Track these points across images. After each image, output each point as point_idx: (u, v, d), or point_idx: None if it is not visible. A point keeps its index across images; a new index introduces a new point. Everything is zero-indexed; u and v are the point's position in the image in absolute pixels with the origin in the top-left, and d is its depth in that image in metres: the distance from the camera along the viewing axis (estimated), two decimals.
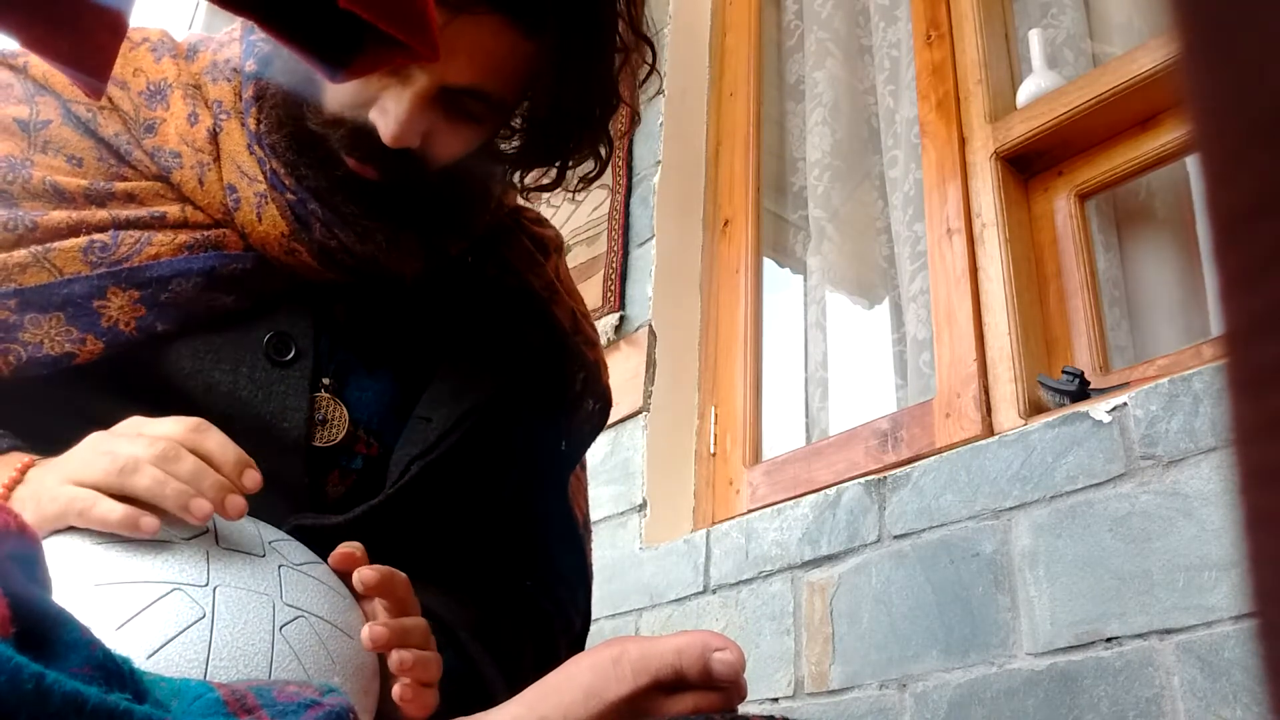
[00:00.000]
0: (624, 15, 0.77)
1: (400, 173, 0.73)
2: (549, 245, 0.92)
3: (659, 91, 1.97)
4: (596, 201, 1.98)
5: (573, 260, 1.98)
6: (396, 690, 0.60)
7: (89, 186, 0.72)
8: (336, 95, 0.71)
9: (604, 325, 1.83)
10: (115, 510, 0.56)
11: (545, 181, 0.83)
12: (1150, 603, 1.00)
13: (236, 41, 0.79)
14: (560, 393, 0.89)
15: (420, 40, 0.36)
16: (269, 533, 0.62)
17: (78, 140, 0.74)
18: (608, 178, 1.97)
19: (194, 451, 0.59)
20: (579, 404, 0.91)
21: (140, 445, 0.58)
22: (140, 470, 0.57)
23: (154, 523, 0.56)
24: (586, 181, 0.84)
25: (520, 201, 0.94)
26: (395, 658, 0.60)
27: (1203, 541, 0.98)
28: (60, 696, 0.31)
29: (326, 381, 0.75)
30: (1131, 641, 1.00)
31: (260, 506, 0.68)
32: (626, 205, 1.93)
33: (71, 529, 0.57)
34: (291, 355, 0.74)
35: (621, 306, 1.84)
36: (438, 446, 0.75)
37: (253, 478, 0.60)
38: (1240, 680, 0.91)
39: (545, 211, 2.26)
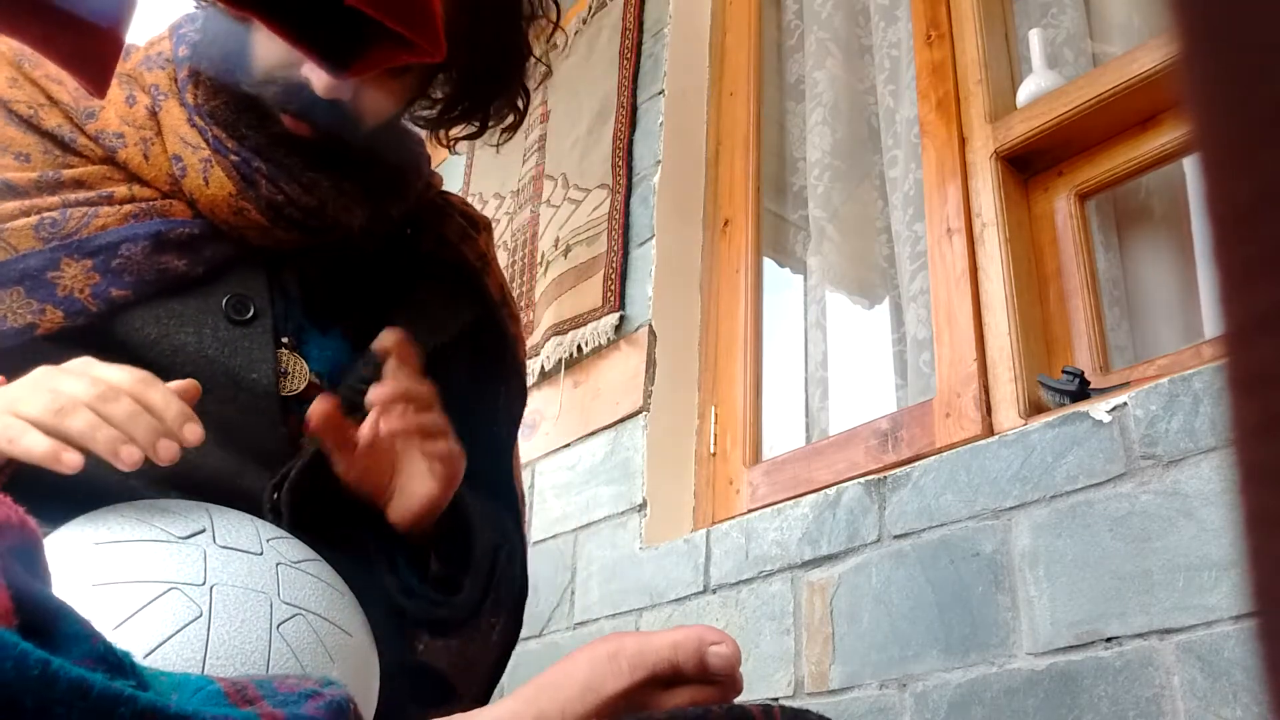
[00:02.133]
0: None
1: (333, 126, 0.77)
2: (479, 224, 0.98)
3: (659, 91, 1.97)
4: (596, 201, 1.98)
5: (573, 260, 1.98)
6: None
7: (39, 178, 0.75)
8: (268, 55, 0.75)
9: (604, 325, 1.83)
10: (40, 444, 0.58)
11: (469, 132, 0.89)
12: (1150, 603, 1.00)
13: (166, 39, 0.84)
14: (497, 364, 0.94)
15: (425, 37, 0.36)
16: (267, 530, 0.62)
17: (22, 138, 0.77)
18: (608, 177, 1.97)
19: (137, 400, 0.60)
20: (510, 377, 0.97)
21: (82, 385, 0.60)
22: (76, 412, 0.59)
23: (76, 459, 0.58)
24: (510, 130, 0.90)
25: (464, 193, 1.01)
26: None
27: (1203, 541, 0.98)
28: (66, 682, 0.31)
29: (285, 339, 0.79)
30: (1131, 641, 1.00)
31: (237, 458, 0.72)
32: (626, 205, 1.92)
33: (71, 528, 0.57)
34: (251, 314, 0.77)
35: (621, 306, 1.83)
36: None
37: (194, 431, 0.62)
38: (1240, 680, 0.91)
39: (546, 211, 2.27)
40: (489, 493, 0.91)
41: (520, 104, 0.89)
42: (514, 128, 0.90)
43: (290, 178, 0.77)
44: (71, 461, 0.58)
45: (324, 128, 0.77)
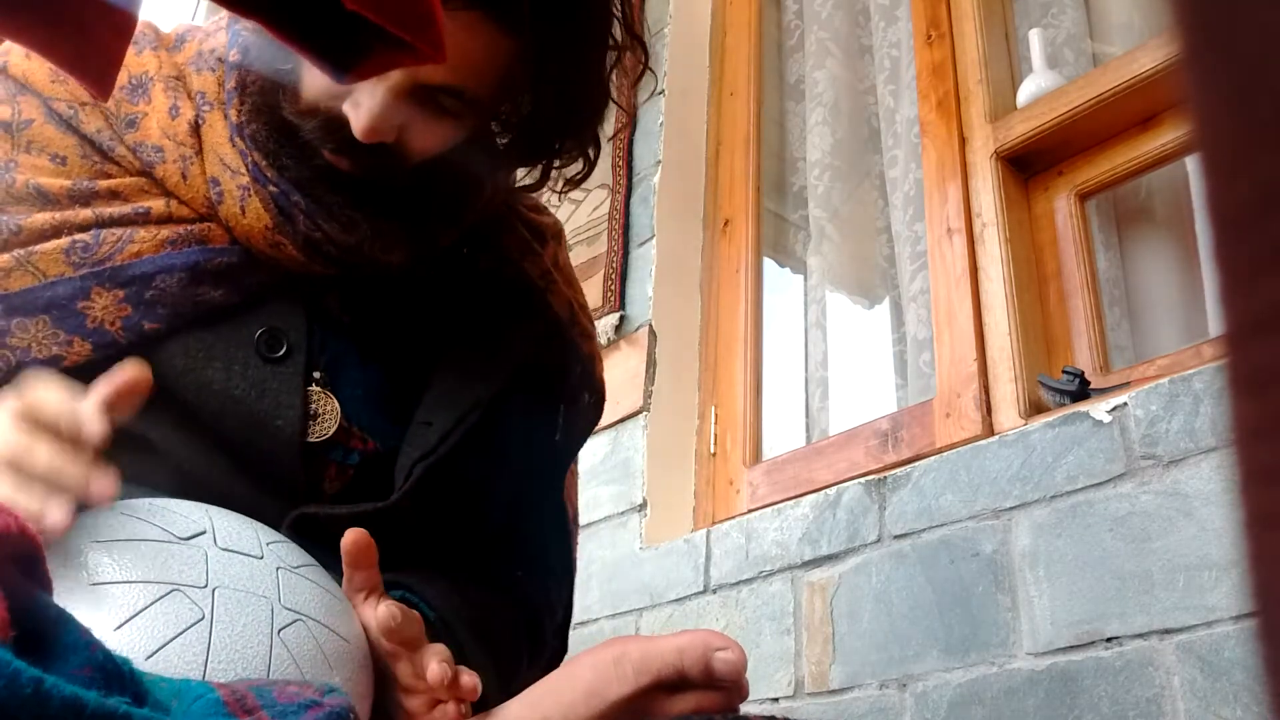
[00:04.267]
0: (618, 15, 0.76)
1: (375, 166, 0.72)
2: (546, 233, 0.90)
3: (659, 91, 1.97)
4: (596, 201, 1.98)
5: (573, 259, 1.98)
6: None
7: (73, 186, 0.71)
8: (313, 85, 0.70)
9: (604, 325, 1.83)
10: None
11: (530, 181, 0.82)
12: (1150, 603, 1.00)
13: (223, 30, 0.78)
14: (558, 385, 0.88)
15: (427, 40, 0.36)
16: (266, 534, 0.62)
17: (61, 138, 0.73)
18: (608, 177, 1.97)
19: (38, 426, 0.54)
20: (576, 397, 0.90)
21: None
22: None
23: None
24: (573, 183, 0.82)
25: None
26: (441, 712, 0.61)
27: (1203, 541, 0.98)
28: (60, 700, 0.31)
29: (318, 375, 0.74)
30: (1131, 641, 1.00)
31: (257, 503, 0.68)
32: (626, 205, 1.92)
33: (70, 529, 0.56)
34: (283, 351, 0.73)
35: (621, 306, 1.83)
36: (438, 449, 0.75)
37: (92, 431, 0.54)
38: (1240, 680, 0.91)
39: None
40: (536, 523, 0.87)
41: (591, 153, 0.81)
42: (580, 181, 0.82)
43: (329, 215, 0.72)
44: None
45: (365, 166, 0.72)
